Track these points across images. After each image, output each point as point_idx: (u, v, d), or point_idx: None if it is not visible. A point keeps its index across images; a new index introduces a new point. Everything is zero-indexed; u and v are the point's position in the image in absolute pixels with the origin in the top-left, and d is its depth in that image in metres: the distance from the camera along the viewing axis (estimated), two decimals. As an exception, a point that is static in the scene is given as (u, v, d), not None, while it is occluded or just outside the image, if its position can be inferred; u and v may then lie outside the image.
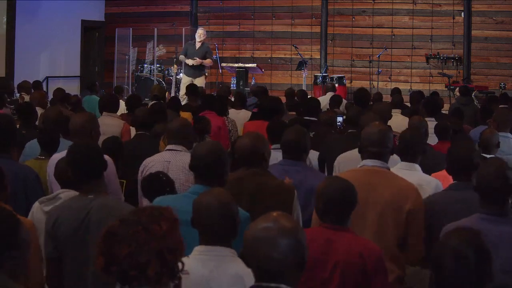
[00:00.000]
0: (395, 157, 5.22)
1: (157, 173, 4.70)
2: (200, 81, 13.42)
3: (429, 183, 4.62)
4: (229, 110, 8.96)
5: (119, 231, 2.40)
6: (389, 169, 4.16)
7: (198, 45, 13.83)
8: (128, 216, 2.46)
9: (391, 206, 3.93)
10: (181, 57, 13.97)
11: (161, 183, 4.53)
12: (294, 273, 2.46)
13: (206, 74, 14.32)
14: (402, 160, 4.73)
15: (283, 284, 2.42)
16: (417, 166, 4.71)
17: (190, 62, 13.62)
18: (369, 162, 4.12)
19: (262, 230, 2.45)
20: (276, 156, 5.48)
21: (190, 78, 13.57)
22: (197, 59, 13.55)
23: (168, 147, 5.19)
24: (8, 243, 2.67)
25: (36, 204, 4.32)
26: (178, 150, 5.12)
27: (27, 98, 9.81)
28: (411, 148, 4.72)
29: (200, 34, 13.92)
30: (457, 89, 12.75)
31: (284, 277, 2.43)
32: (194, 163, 3.83)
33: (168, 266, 2.41)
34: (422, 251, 3.98)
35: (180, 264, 2.46)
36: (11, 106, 8.27)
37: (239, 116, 8.96)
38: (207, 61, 13.86)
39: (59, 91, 9.52)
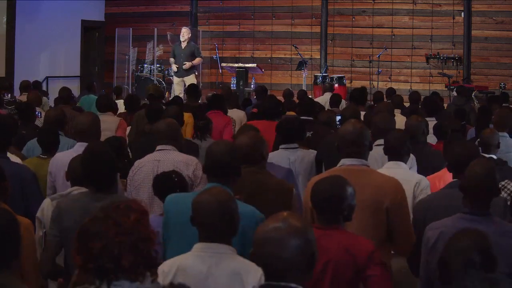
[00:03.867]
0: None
1: (170, 172, 4.65)
2: (191, 80, 13.47)
3: (413, 177, 4.65)
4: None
5: (90, 228, 2.49)
6: (368, 166, 4.15)
7: (183, 45, 13.90)
8: (97, 213, 2.54)
9: (370, 205, 3.92)
10: (171, 60, 14.10)
11: (172, 183, 4.49)
12: (304, 272, 2.47)
13: (196, 72, 14.37)
14: (389, 160, 4.81)
15: (293, 284, 2.42)
16: (403, 164, 4.78)
17: (174, 68, 13.77)
18: (347, 161, 4.10)
19: (272, 230, 2.46)
20: (287, 155, 5.51)
21: (181, 78, 13.68)
22: (187, 63, 13.62)
23: (158, 147, 5.15)
24: (15, 243, 2.75)
25: (47, 200, 4.34)
26: (168, 149, 5.10)
27: (24, 98, 9.81)
28: (395, 149, 4.79)
29: (183, 33, 14.00)
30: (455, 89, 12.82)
31: (294, 277, 2.44)
32: (211, 162, 3.81)
33: (142, 255, 2.48)
34: (410, 241, 3.97)
35: (154, 253, 2.52)
36: (10, 107, 8.25)
37: (231, 115, 8.98)
38: (196, 61, 13.92)
39: (65, 90, 9.49)
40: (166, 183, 4.48)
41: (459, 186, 3.62)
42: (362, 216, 3.88)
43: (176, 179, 4.56)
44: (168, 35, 16.32)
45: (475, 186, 3.48)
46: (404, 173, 4.68)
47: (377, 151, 5.32)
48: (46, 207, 4.32)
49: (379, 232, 3.94)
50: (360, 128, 4.15)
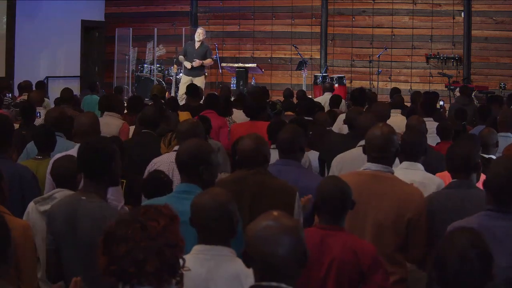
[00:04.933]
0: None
1: (158, 173, 4.64)
2: (199, 81, 13.41)
3: (432, 181, 4.63)
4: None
5: (117, 230, 2.43)
6: (393, 173, 4.11)
7: (197, 44, 13.85)
8: (125, 215, 2.49)
9: (392, 214, 3.90)
10: (181, 57, 13.98)
11: (162, 184, 4.47)
12: (295, 271, 2.48)
13: (206, 74, 14.34)
14: (405, 160, 4.75)
15: (284, 284, 2.42)
16: (420, 165, 4.74)
17: (188, 65, 13.62)
18: (372, 166, 4.07)
19: (265, 228, 2.46)
20: (275, 156, 5.48)
21: (190, 78, 13.58)
22: (197, 60, 13.55)
23: (175, 148, 5.09)
24: (3, 248, 2.70)
25: (32, 204, 4.31)
26: None
27: (25, 98, 9.80)
28: (412, 148, 4.75)
29: (199, 33, 13.94)
30: (458, 89, 12.77)
31: (285, 276, 2.44)
32: (177, 160, 3.84)
33: (168, 262, 2.42)
34: (423, 253, 3.97)
35: (181, 261, 2.47)
36: (17, 109, 8.21)
37: (240, 116, 8.95)
38: (207, 61, 13.87)
39: (67, 91, 9.47)
40: (155, 185, 4.47)
41: (483, 183, 3.62)
42: (382, 223, 3.89)
43: (165, 179, 4.54)
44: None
45: (499, 184, 3.47)
46: (424, 175, 4.66)
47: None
48: (31, 210, 4.29)
49: (397, 240, 3.92)
50: (388, 133, 4.11)
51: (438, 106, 11.47)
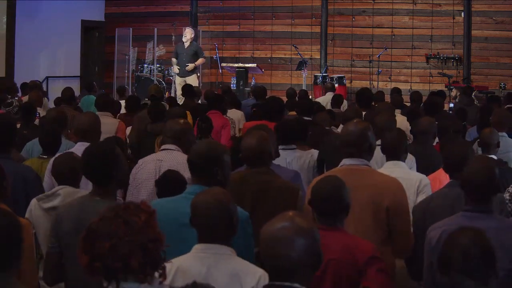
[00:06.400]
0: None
1: (172, 173, 4.52)
2: (192, 80, 13.55)
3: (412, 177, 4.69)
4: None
5: (99, 227, 2.47)
6: (369, 167, 4.14)
7: (186, 44, 14.00)
8: (105, 212, 2.52)
9: (370, 205, 3.92)
10: (173, 60, 14.23)
11: (176, 183, 4.39)
12: (308, 272, 2.49)
13: (199, 74, 14.42)
14: (387, 160, 4.84)
15: (297, 284, 2.43)
16: (402, 164, 4.82)
17: (176, 69, 13.94)
18: (347, 161, 4.11)
19: (280, 229, 2.47)
20: (284, 156, 5.49)
21: (183, 78, 13.73)
22: (189, 65, 13.73)
23: (163, 146, 5.13)
24: (17, 246, 2.71)
25: (34, 201, 4.32)
26: (172, 150, 5.06)
27: (25, 98, 9.80)
28: (392, 148, 4.83)
29: (186, 33, 14.10)
30: (454, 89, 12.77)
31: (299, 277, 2.46)
32: (190, 161, 3.78)
33: (151, 256, 2.47)
34: (410, 241, 3.99)
35: (162, 254, 2.52)
36: (7, 109, 8.21)
37: (229, 115, 9.01)
38: (199, 61, 14.00)
39: (68, 91, 9.49)
40: (168, 184, 4.39)
41: (460, 183, 3.62)
42: (362, 216, 3.89)
43: (181, 178, 4.46)
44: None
45: (475, 183, 3.47)
46: (404, 172, 4.70)
47: (377, 151, 5.34)
48: (34, 207, 4.29)
49: (379, 233, 3.93)
50: (360, 129, 4.13)
51: (447, 108, 11.53)
